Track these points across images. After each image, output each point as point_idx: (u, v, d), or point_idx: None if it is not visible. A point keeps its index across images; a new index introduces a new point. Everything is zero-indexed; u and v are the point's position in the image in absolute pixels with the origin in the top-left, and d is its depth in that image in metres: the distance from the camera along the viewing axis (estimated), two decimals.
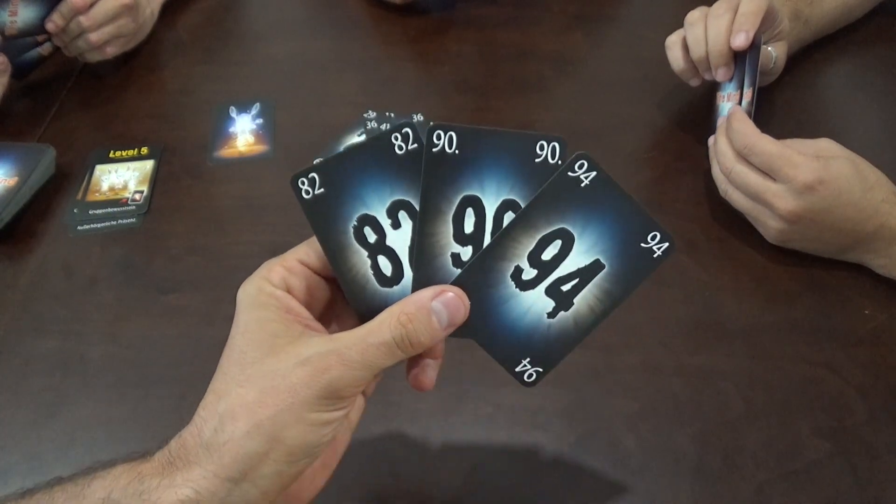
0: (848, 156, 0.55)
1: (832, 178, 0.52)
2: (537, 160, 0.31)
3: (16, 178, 0.63)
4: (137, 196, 0.65)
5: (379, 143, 0.32)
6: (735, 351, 0.53)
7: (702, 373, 0.51)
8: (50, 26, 0.72)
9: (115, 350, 0.53)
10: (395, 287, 0.33)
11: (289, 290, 0.32)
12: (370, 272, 0.33)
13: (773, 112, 0.72)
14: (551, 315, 0.33)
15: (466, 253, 0.32)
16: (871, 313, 0.55)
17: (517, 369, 0.34)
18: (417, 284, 0.32)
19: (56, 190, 0.66)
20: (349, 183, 0.32)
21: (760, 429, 0.48)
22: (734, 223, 0.61)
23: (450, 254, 0.32)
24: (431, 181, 0.31)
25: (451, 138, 0.31)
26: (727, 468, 0.46)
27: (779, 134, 0.56)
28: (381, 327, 0.30)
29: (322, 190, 0.32)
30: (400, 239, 0.33)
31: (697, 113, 0.72)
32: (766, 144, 0.54)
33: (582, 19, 0.88)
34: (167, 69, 0.81)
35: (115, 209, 0.64)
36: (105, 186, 0.66)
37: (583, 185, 0.31)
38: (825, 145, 0.56)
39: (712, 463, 0.47)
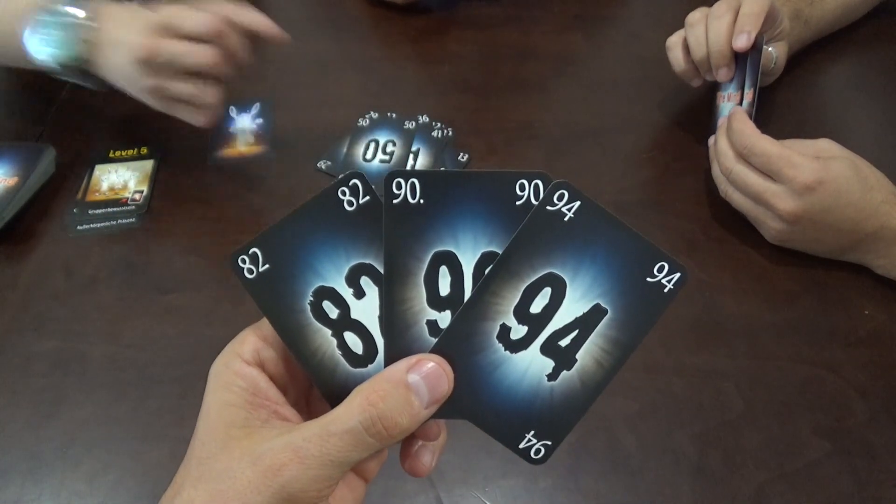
0: (848, 156, 0.55)
1: (832, 179, 0.52)
2: (518, 203, 0.26)
3: (16, 178, 0.63)
4: (137, 196, 0.65)
5: (324, 200, 0.27)
6: (735, 351, 0.53)
7: (702, 373, 0.51)
8: None
9: (115, 350, 0.53)
10: (371, 366, 0.29)
11: (261, 365, 0.29)
12: (338, 353, 0.29)
13: (773, 112, 0.72)
14: (552, 377, 0.28)
15: (444, 319, 0.28)
16: (871, 313, 0.55)
17: (521, 446, 0.29)
18: (390, 361, 0.28)
19: (56, 190, 0.66)
20: (297, 253, 0.28)
21: (760, 429, 0.48)
22: (734, 223, 0.61)
23: (425, 321, 0.28)
24: (395, 238, 0.27)
25: (412, 186, 0.26)
26: (727, 468, 0.46)
27: (779, 134, 0.56)
28: (347, 411, 0.25)
29: (267, 266, 0.28)
30: (367, 310, 0.28)
31: (697, 113, 0.72)
32: (766, 145, 0.55)
33: (582, 19, 0.88)
34: None
35: (115, 209, 0.64)
36: (105, 186, 0.66)
37: (566, 218, 0.26)
38: (825, 146, 0.56)
39: (712, 463, 0.47)
